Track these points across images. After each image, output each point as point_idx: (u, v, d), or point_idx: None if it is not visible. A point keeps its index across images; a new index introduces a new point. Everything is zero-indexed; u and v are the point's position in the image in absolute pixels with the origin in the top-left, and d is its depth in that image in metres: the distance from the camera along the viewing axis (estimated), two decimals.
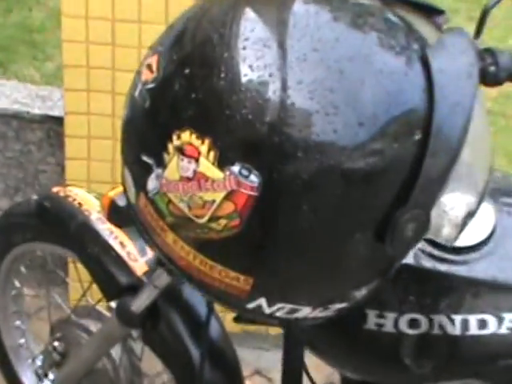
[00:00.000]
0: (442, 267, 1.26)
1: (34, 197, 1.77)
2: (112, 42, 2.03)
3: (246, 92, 0.91)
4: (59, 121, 2.28)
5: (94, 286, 1.76)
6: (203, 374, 1.59)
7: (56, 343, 1.82)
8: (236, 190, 0.91)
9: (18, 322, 2.03)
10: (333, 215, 0.96)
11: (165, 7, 1.95)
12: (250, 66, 0.91)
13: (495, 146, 1.30)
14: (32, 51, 3.89)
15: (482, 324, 1.27)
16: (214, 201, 0.94)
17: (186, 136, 0.93)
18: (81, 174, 2.14)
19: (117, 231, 1.65)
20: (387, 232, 0.97)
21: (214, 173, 0.92)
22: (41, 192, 1.91)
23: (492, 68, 1.24)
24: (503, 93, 4.05)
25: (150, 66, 1.01)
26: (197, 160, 0.93)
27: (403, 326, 1.28)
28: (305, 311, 1.06)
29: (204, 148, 0.92)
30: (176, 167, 0.95)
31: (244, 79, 0.91)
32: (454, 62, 0.98)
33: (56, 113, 2.33)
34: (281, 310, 1.05)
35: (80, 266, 1.78)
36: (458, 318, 1.26)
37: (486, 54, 1.25)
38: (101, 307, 1.78)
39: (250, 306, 1.05)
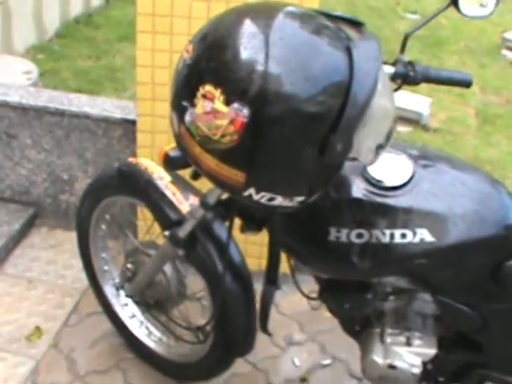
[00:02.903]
0: (378, 199, 1.44)
1: (116, 164, 1.94)
2: (169, 66, 2.22)
3: (243, 62, 1.15)
4: (133, 123, 2.45)
5: (154, 226, 1.94)
6: (225, 281, 1.75)
7: (129, 265, 2.03)
8: (235, 118, 1.15)
9: (104, 254, 2.24)
10: (292, 136, 1.18)
11: None
12: (245, 48, 1.16)
13: None
14: (115, 85, 4.20)
15: (403, 235, 1.42)
16: (222, 125, 1.16)
17: (209, 88, 1.16)
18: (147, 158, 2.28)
19: (170, 185, 1.85)
20: (325, 148, 1.18)
21: (223, 108, 1.15)
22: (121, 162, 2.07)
23: (412, 73, 1.43)
24: (450, 117, 4.15)
25: (188, 51, 1.26)
26: (213, 101, 1.16)
27: (353, 237, 1.43)
28: (278, 200, 1.26)
29: (217, 94, 1.15)
30: (201, 106, 1.18)
31: (242, 55, 1.16)
32: (366, 51, 1.22)
33: (131, 117, 2.49)
34: (263, 197, 1.25)
35: (145, 211, 1.96)
36: (387, 232, 1.42)
37: (408, 64, 1.44)
38: (159, 241, 1.94)
39: (244, 193, 1.25)
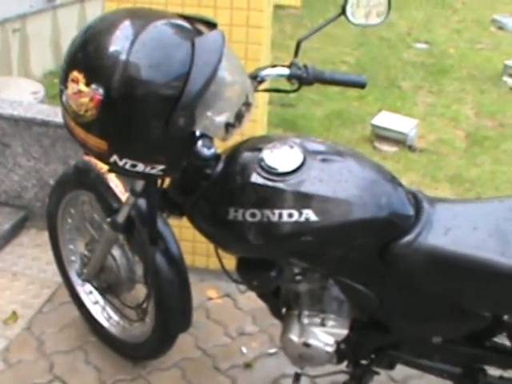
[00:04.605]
0: (270, 183, 1.58)
1: (73, 162, 2.19)
2: None
3: (108, 53, 1.39)
4: None
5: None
6: (155, 262, 1.95)
7: (86, 252, 2.28)
8: (93, 97, 1.40)
9: (71, 246, 2.48)
10: (139, 111, 1.40)
11: None
12: (112, 43, 1.41)
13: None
14: None
15: (290, 215, 1.56)
16: (84, 102, 1.41)
17: (75, 73, 1.42)
18: None
19: (114, 178, 2.08)
20: (169, 121, 1.40)
21: (84, 89, 1.41)
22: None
23: (305, 75, 1.65)
24: (439, 138, 4.32)
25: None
26: (78, 84, 1.41)
27: (247, 216, 1.58)
28: (140, 167, 1.48)
29: (81, 78, 1.41)
30: (71, 88, 1.43)
31: (109, 48, 1.40)
32: (208, 44, 1.44)
33: None
34: (127, 164, 1.47)
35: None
36: (276, 212, 1.56)
37: (303, 67, 1.67)
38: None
39: (110, 160, 1.48)
